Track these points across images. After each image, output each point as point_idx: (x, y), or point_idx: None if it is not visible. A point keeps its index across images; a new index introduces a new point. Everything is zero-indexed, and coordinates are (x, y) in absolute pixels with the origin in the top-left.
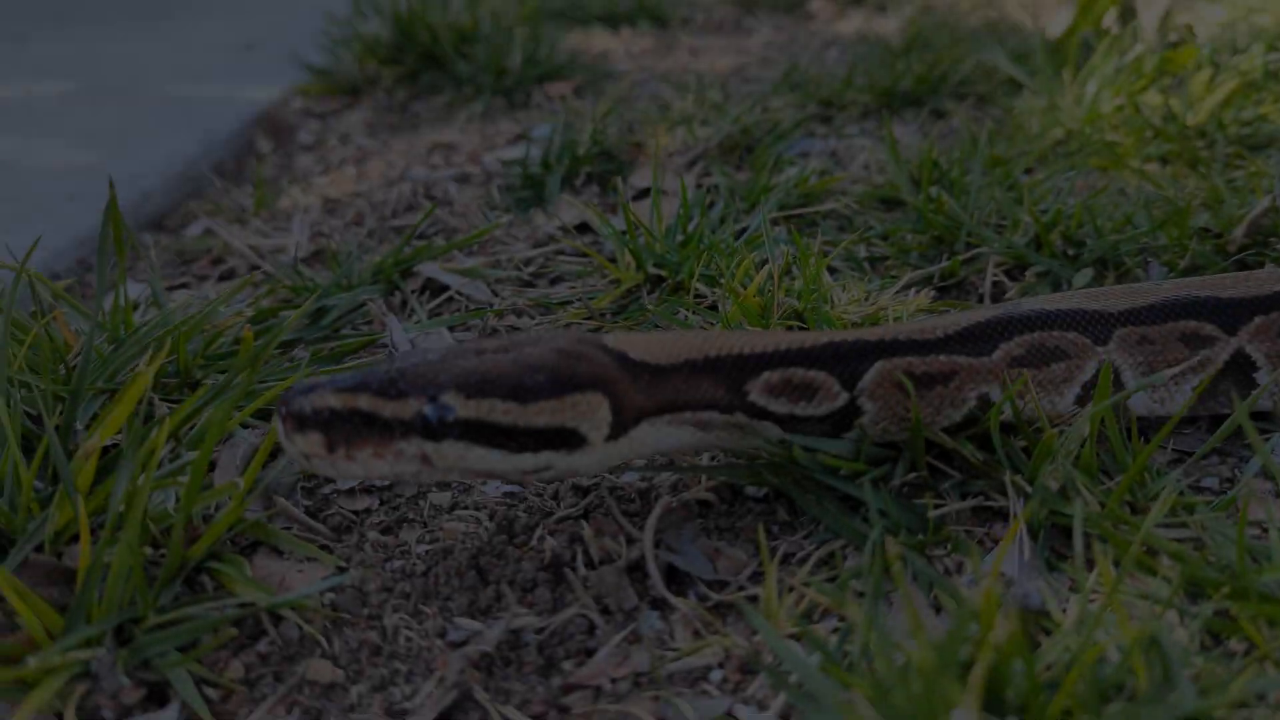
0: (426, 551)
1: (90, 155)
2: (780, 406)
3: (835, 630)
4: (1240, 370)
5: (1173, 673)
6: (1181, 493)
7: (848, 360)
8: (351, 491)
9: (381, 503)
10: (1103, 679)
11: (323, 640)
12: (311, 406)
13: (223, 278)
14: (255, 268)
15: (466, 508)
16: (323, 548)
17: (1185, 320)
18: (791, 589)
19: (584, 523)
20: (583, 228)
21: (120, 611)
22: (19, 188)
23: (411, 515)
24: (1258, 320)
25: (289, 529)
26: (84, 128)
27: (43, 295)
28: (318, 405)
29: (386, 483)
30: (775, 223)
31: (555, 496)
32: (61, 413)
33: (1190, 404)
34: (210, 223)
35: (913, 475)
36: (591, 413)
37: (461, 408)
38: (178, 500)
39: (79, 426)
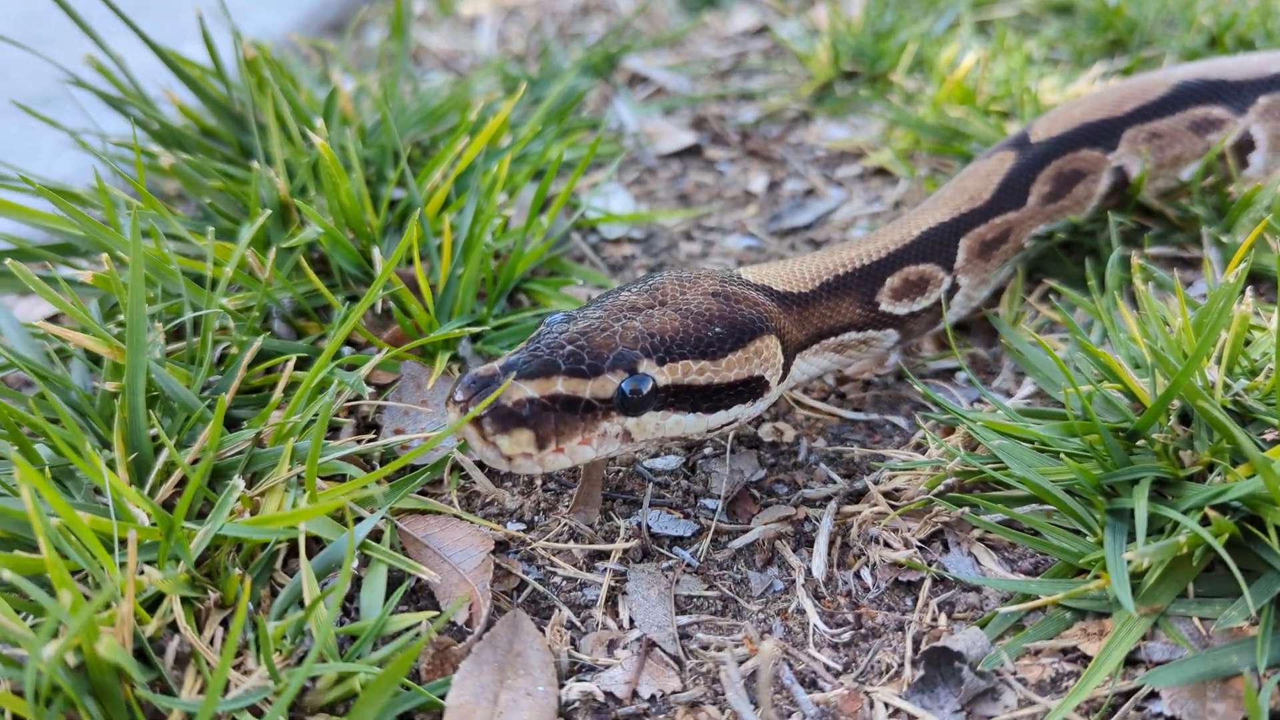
0: None
1: None
2: (902, 308)
3: (1064, 340)
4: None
5: None
6: None
7: (943, 244)
8: (619, 240)
9: (644, 251)
10: None
11: None
12: (512, 401)
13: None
14: (449, 65)
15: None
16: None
17: (1196, 108)
18: (1026, 310)
19: None
20: (760, 34)
21: (468, 315)
22: None
23: (666, 259)
24: (1263, 100)
25: (579, 262)
26: None
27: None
28: (518, 399)
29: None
30: (954, 25)
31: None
32: (370, 164)
33: None
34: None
35: (1119, 225)
36: (772, 356)
37: (659, 375)
38: (493, 235)
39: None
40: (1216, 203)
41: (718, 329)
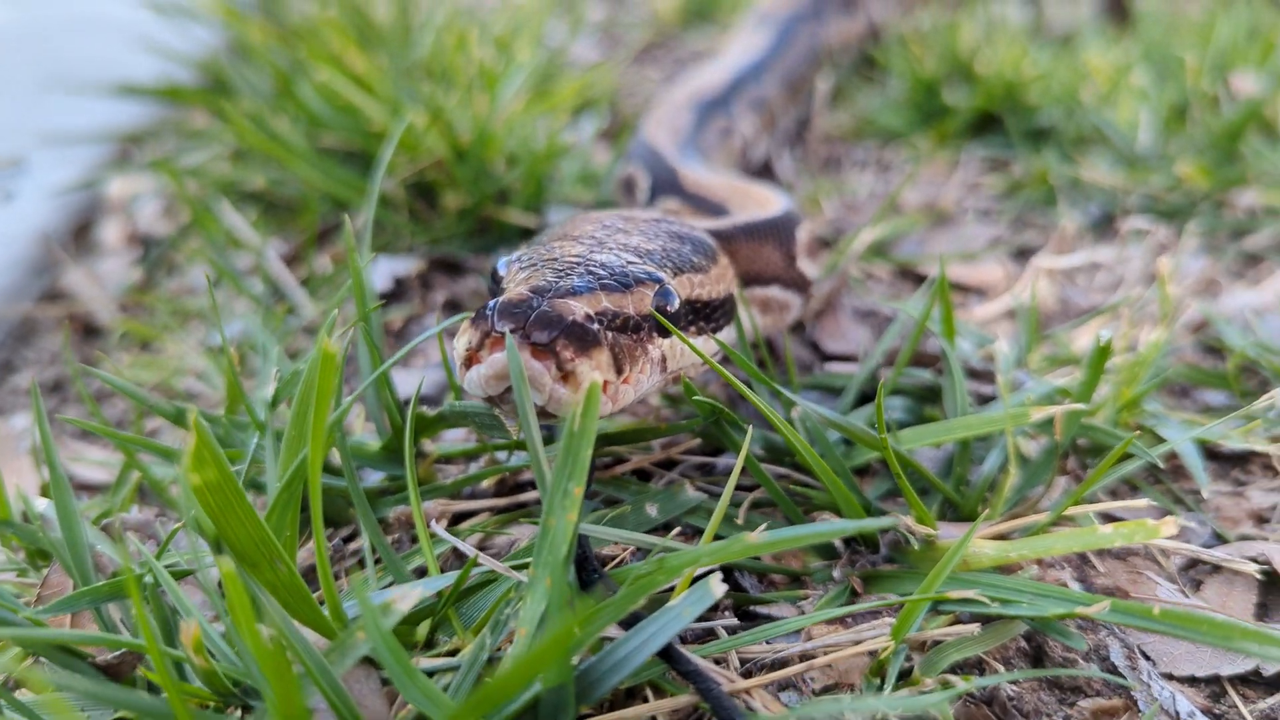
0: None
1: None
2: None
3: None
4: None
5: None
6: None
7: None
8: None
9: None
10: None
11: None
12: (581, 316)
13: None
14: None
15: None
16: None
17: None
18: None
19: None
20: None
21: None
22: None
23: None
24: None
25: None
26: None
27: None
28: (585, 314)
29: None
30: None
31: None
32: None
33: None
34: None
35: None
36: (731, 276)
37: (677, 286)
38: None
39: None
40: None
41: (689, 246)
